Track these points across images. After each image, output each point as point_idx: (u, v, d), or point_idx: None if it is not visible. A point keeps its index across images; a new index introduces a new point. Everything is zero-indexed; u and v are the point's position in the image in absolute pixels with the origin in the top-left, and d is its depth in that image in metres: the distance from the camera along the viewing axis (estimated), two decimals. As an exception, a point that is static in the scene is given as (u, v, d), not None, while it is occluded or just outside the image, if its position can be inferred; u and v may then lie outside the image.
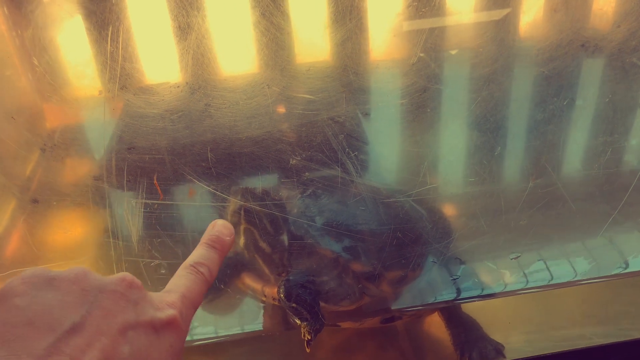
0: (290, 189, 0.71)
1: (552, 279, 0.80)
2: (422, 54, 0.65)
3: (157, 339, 0.41)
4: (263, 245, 0.71)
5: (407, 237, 0.71)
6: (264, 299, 0.75)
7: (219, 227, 0.52)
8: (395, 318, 0.82)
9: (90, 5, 0.55)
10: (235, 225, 0.67)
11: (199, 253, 0.50)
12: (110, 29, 0.55)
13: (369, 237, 0.71)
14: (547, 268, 0.79)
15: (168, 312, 0.42)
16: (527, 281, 0.80)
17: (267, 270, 0.73)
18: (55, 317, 0.36)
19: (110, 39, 0.55)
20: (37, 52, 0.57)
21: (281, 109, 0.63)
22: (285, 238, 0.70)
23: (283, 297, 0.70)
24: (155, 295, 0.44)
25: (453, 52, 0.68)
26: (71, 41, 0.57)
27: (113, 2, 0.55)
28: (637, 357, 0.89)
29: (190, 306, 0.46)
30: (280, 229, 0.70)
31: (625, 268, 0.80)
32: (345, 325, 0.81)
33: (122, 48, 0.57)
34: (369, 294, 0.75)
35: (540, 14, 0.67)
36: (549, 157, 0.73)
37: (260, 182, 0.66)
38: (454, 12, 0.65)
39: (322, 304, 0.71)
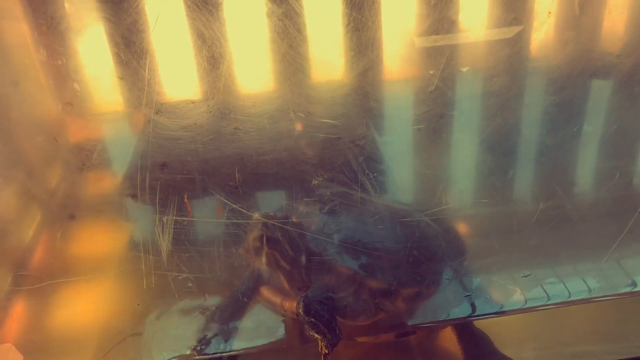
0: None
1: (565, 296, 0.83)
2: (439, 83, 0.69)
3: None
4: (284, 264, 0.74)
5: (422, 254, 0.74)
6: (283, 312, 0.78)
7: None
8: (409, 333, 0.84)
9: (129, 35, 0.59)
10: (258, 249, 0.70)
11: None
12: (148, 58, 0.59)
13: (385, 255, 0.75)
14: (559, 286, 0.82)
15: None
16: (538, 299, 0.82)
17: (287, 286, 0.76)
18: None
19: (148, 68, 0.59)
20: (78, 78, 0.61)
21: (305, 133, 0.67)
22: (304, 258, 0.74)
23: (302, 312, 0.73)
24: None
25: (464, 69, 0.71)
26: (110, 67, 0.61)
27: (150, 32, 0.59)
28: None
29: None
30: (300, 250, 0.73)
31: (634, 287, 0.83)
32: (361, 339, 0.83)
33: (157, 75, 0.61)
34: (385, 310, 0.78)
35: (552, 39, 0.71)
36: (559, 180, 0.76)
37: (284, 201, 0.70)
38: (468, 30, 0.69)
39: (339, 319, 0.74)
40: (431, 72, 0.65)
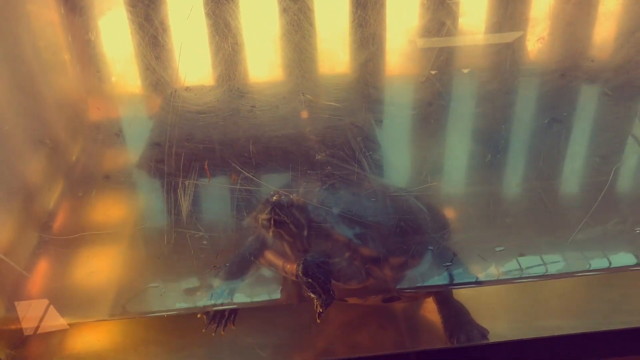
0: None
1: (536, 271, 0.93)
2: (432, 72, 0.80)
3: None
4: (288, 238, 0.83)
5: (409, 227, 0.85)
6: (284, 274, 0.89)
7: None
8: (395, 298, 0.92)
9: (167, 20, 0.70)
10: (266, 227, 0.80)
11: None
12: (181, 42, 0.70)
13: (376, 226, 0.85)
14: (531, 260, 0.92)
15: None
16: (511, 272, 0.93)
17: (289, 251, 0.86)
18: None
19: (181, 50, 0.70)
20: (121, 57, 0.72)
21: (312, 114, 0.78)
22: (306, 231, 0.84)
23: (301, 273, 0.83)
24: None
25: (465, 70, 0.82)
26: (150, 48, 0.72)
27: (185, 20, 0.70)
28: (604, 345, 1.02)
29: None
30: (303, 226, 0.83)
31: (592, 266, 0.93)
32: (352, 301, 0.92)
33: (188, 57, 0.72)
34: (374, 276, 0.88)
35: (533, 46, 0.82)
36: (531, 167, 0.87)
37: (291, 173, 0.81)
38: (465, 33, 0.80)
39: (333, 282, 0.85)
40: (431, 71, 0.76)
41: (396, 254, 0.85)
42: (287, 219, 0.78)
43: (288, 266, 0.85)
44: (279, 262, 0.86)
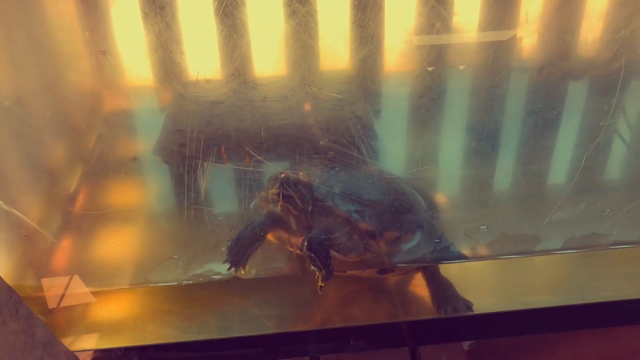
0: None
1: (517, 249, 1.03)
2: (429, 68, 0.89)
3: None
4: (295, 212, 0.90)
5: (402, 206, 0.95)
6: (290, 248, 0.98)
7: None
8: (389, 270, 1.00)
9: (196, 17, 0.80)
10: (275, 202, 0.87)
11: None
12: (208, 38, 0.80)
13: (373, 205, 0.95)
14: (512, 239, 1.02)
15: None
16: (494, 249, 1.02)
17: (294, 227, 0.94)
18: None
19: (203, 51, 0.80)
20: (150, 52, 0.82)
21: (316, 104, 0.88)
22: (310, 207, 0.92)
23: (305, 249, 0.93)
24: None
25: (461, 67, 0.92)
26: (179, 44, 0.82)
27: (213, 17, 0.80)
28: (580, 318, 1.08)
29: None
30: (308, 202, 0.91)
31: (565, 246, 1.03)
32: (351, 272, 1.00)
33: (208, 56, 0.82)
34: (371, 250, 0.96)
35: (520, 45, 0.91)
36: (512, 153, 0.97)
37: (298, 157, 0.91)
38: (459, 31, 0.89)
39: (334, 254, 0.95)
40: (428, 68, 0.86)
41: (391, 229, 0.93)
42: (294, 194, 0.87)
43: (294, 239, 0.94)
44: (285, 236, 0.95)
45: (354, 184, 0.92)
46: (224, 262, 0.92)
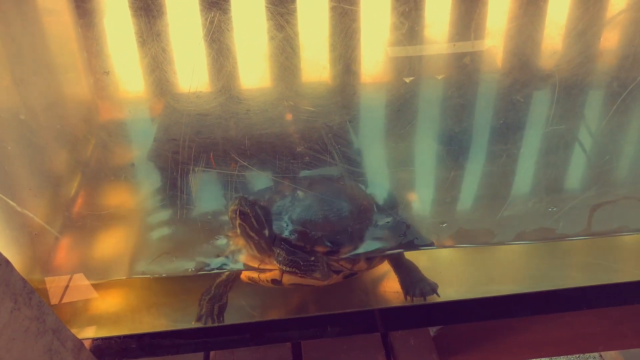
0: (275, 193, 1.05)
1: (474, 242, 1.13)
2: (406, 79, 1.01)
3: None
4: (252, 234, 0.95)
5: (354, 218, 1.04)
6: (264, 283, 1.05)
7: None
8: (353, 274, 1.05)
9: (184, 40, 0.92)
10: (233, 219, 0.93)
11: None
12: (194, 65, 0.92)
13: (328, 226, 1.01)
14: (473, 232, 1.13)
15: None
16: (454, 240, 1.13)
17: (256, 253, 0.98)
18: None
19: (193, 70, 0.92)
20: (152, 67, 0.94)
21: (293, 116, 1.00)
22: (267, 231, 0.96)
23: (280, 263, 0.98)
24: None
25: (439, 77, 1.03)
26: (170, 62, 0.93)
27: (201, 39, 0.92)
28: (535, 304, 1.17)
29: None
30: (263, 223, 0.95)
31: (516, 239, 1.14)
32: (316, 284, 1.02)
33: (198, 74, 0.94)
34: (333, 268, 0.99)
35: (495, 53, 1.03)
36: (471, 155, 1.09)
37: (277, 162, 1.02)
38: (432, 41, 1.01)
39: (301, 279, 1.00)
40: (405, 79, 0.97)
41: (345, 244, 1.00)
42: (250, 212, 0.92)
43: (263, 276, 1.02)
44: (254, 275, 1.02)
45: (309, 209, 1.00)
46: (198, 320, 1.04)
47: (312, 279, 0.97)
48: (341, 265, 0.99)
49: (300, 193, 1.00)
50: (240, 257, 0.99)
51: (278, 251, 0.94)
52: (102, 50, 0.87)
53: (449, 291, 1.14)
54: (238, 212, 0.92)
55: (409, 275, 1.08)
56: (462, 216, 1.08)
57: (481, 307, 1.15)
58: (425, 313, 1.12)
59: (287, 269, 0.95)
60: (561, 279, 1.18)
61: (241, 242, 0.97)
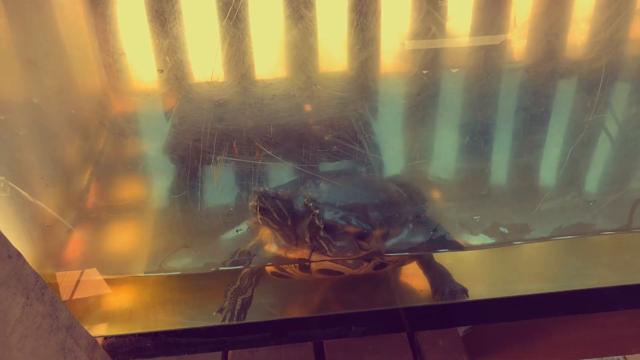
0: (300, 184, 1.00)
1: (509, 238, 1.09)
2: (424, 71, 0.96)
3: None
4: (274, 226, 0.94)
5: (386, 203, 1.01)
6: (295, 270, 1.02)
7: None
8: (384, 265, 1.02)
9: (206, 27, 0.87)
10: (254, 214, 0.92)
11: None
12: (218, 47, 0.87)
13: (357, 208, 0.98)
14: (503, 229, 1.08)
15: None
16: (486, 239, 1.08)
17: (282, 241, 0.97)
18: None
19: (217, 54, 0.87)
20: (165, 54, 0.88)
21: (321, 101, 0.94)
22: (290, 221, 0.94)
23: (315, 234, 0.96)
24: None
25: (454, 70, 0.98)
26: (195, 52, 0.88)
27: (222, 25, 0.86)
28: (566, 304, 1.14)
29: None
30: (285, 216, 0.93)
31: (553, 235, 1.09)
32: (347, 272, 1.01)
33: (224, 57, 0.88)
34: (364, 248, 0.97)
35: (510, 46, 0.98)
36: (503, 147, 1.04)
37: (303, 150, 0.97)
38: (452, 35, 0.96)
39: (329, 263, 0.97)
40: (423, 71, 0.92)
41: (378, 227, 0.97)
42: (271, 208, 0.91)
43: (291, 255, 0.98)
44: (281, 254, 0.99)
45: (336, 191, 0.98)
46: (219, 311, 1.02)
47: (343, 261, 0.95)
48: (371, 246, 0.96)
49: (326, 182, 0.94)
50: (266, 247, 0.97)
51: (309, 231, 0.92)
52: (119, 30, 0.82)
53: (477, 289, 1.11)
54: (258, 209, 0.91)
55: (439, 277, 1.07)
56: (496, 210, 1.02)
57: (510, 306, 1.12)
58: (454, 312, 1.09)
59: (318, 245, 0.93)
60: (595, 278, 1.15)
61: (266, 231, 0.94)
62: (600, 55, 0.94)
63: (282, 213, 0.92)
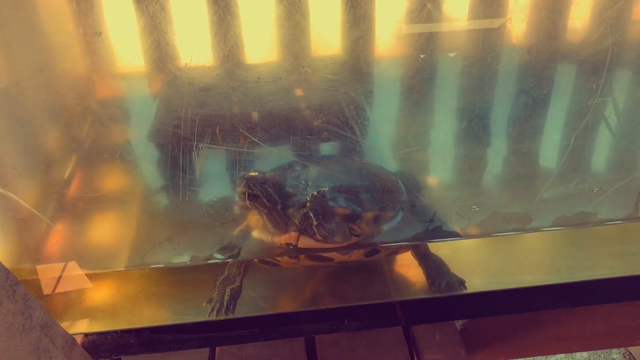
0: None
1: (507, 228, 1.04)
2: (422, 55, 0.90)
3: None
4: (264, 210, 0.91)
5: (376, 186, 0.95)
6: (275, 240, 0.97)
7: None
8: (375, 252, 0.99)
9: (185, 6, 0.80)
10: (242, 199, 0.87)
11: None
12: (196, 25, 0.81)
13: (346, 189, 0.94)
14: (502, 218, 1.04)
15: None
16: (485, 228, 1.04)
17: (271, 225, 0.93)
18: None
19: (195, 33, 0.81)
20: (148, 44, 0.82)
21: (310, 84, 0.89)
22: (280, 205, 0.90)
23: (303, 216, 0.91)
24: None
25: (451, 54, 0.93)
26: (172, 33, 0.82)
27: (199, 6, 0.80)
28: (569, 296, 1.11)
29: None
30: (276, 200, 0.89)
31: (556, 223, 1.05)
32: (338, 258, 0.99)
33: (200, 37, 0.82)
34: (354, 233, 0.94)
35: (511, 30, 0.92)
36: (503, 133, 0.99)
37: (292, 138, 0.91)
38: (449, 19, 0.90)
39: (319, 242, 0.93)
40: (421, 55, 0.86)
41: (368, 210, 0.94)
42: (259, 193, 0.87)
43: (277, 239, 0.94)
44: (269, 238, 0.95)
45: (325, 173, 0.92)
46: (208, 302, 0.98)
47: (331, 243, 0.91)
48: (362, 230, 0.92)
49: (315, 164, 0.90)
50: (253, 232, 0.94)
51: (296, 212, 0.88)
52: (93, 7, 0.76)
53: (475, 281, 1.08)
54: (247, 195, 0.86)
55: (435, 268, 1.04)
56: (495, 199, 0.97)
57: (510, 298, 1.09)
58: (451, 305, 1.06)
59: (307, 227, 0.90)
60: (598, 269, 1.12)
61: (254, 216, 0.92)
62: (606, 35, 0.88)
63: (272, 198, 0.88)
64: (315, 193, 0.86)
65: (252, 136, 0.87)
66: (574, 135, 0.96)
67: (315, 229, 0.89)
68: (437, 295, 1.02)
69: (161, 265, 0.95)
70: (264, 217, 0.91)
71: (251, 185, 0.84)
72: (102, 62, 0.83)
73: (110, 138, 0.88)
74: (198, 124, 0.85)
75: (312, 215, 0.86)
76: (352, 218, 0.92)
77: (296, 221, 0.90)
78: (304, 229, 0.90)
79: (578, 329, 1.17)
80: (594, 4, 0.88)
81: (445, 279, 1.01)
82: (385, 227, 0.95)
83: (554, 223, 1.00)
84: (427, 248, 1.05)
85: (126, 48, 0.83)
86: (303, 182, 0.92)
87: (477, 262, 1.12)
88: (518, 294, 1.07)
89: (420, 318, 1.04)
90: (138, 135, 0.89)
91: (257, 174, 0.86)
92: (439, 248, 1.06)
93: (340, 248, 0.94)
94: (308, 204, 0.86)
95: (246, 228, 0.95)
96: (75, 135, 0.89)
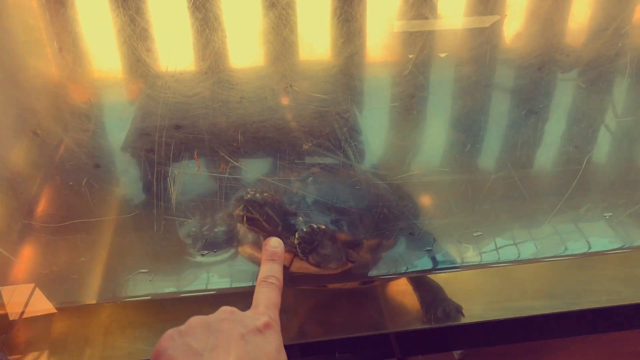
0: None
1: (513, 255, 0.97)
2: (410, 55, 0.82)
3: (264, 337, 0.61)
4: (263, 234, 0.82)
5: (380, 212, 0.88)
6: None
7: (272, 242, 0.72)
8: (371, 281, 0.94)
9: (160, 14, 0.71)
10: (240, 222, 0.81)
11: (265, 269, 0.68)
12: (172, 34, 0.72)
13: (350, 213, 0.88)
14: (507, 245, 0.97)
15: (262, 319, 0.63)
16: (489, 256, 0.97)
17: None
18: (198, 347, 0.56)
19: (171, 48, 0.72)
20: (115, 51, 0.73)
21: (299, 104, 0.80)
22: (280, 227, 0.83)
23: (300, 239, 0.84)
24: (249, 312, 0.64)
25: (442, 55, 0.85)
26: (141, 41, 0.73)
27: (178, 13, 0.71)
28: (575, 324, 1.05)
29: (274, 309, 0.65)
30: (276, 223, 0.83)
31: (565, 251, 0.98)
32: (332, 285, 0.93)
33: (179, 49, 0.73)
34: (352, 259, 0.88)
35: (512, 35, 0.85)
36: (508, 156, 0.91)
37: (279, 163, 0.83)
38: (445, 18, 0.83)
39: (313, 268, 0.86)
40: (410, 56, 0.78)
41: (370, 236, 0.87)
42: (259, 217, 0.79)
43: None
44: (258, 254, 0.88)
45: (329, 193, 0.85)
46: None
47: (325, 270, 0.85)
48: (360, 257, 0.87)
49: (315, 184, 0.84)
50: (240, 249, 0.89)
51: (288, 239, 0.81)
52: (56, 17, 0.67)
53: (475, 309, 1.02)
54: (245, 219, 0.78)
55: (430, 294, 0.97)
56: (499, 224, 0.90)
57: (512, 327, 1.02)
58: (449, 335, 1.00)
59: (302, 251, 0.82)
60: (604, 294, 1.05)
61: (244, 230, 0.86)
62: (624, 53, 0.81)
63: (273, 221, 0.81)
64: (305, 229, 0.77)
65: (235, 161, 0.79)
66: (586, 159, 0.89)
67: (310, 253, 0.81)
68: (433, 325, 0.94)
69: (135, 299, 0.86)
70: (260, 236, 0.83)
71: (250, 208, 0.77)
72: (66, 78, 0.74)
73: (76, 162, 0.79)
74: (173, 148, 0.76)
75: (299, 252, 0.78)
76: (352, 244, 0.86)
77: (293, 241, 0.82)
78: (301, 252, 0.82)
79: (582, 355, 1.11)
80: (610, 20, 0.80)
81: (441, 307, 0.94)
82: (384, 255, 0.87)
83: (561, 252, 0.93)
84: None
85: (94, 63, 0.74)
86: (303, 203, 0.85)
87: (476, 288, 1.05)
88: (520, 322, 1.01)
89: (416, 349, 0.99)
90: (106, 158, 0.80)
91: (256, 194, 0.78)
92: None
93: (334, 276, 0.88)
94: (296, 241, 0.78)
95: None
96: (37, 157, 0.80)
